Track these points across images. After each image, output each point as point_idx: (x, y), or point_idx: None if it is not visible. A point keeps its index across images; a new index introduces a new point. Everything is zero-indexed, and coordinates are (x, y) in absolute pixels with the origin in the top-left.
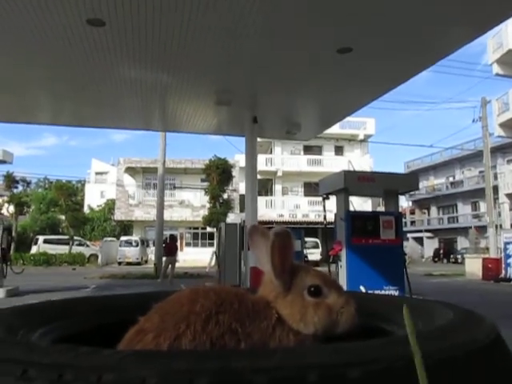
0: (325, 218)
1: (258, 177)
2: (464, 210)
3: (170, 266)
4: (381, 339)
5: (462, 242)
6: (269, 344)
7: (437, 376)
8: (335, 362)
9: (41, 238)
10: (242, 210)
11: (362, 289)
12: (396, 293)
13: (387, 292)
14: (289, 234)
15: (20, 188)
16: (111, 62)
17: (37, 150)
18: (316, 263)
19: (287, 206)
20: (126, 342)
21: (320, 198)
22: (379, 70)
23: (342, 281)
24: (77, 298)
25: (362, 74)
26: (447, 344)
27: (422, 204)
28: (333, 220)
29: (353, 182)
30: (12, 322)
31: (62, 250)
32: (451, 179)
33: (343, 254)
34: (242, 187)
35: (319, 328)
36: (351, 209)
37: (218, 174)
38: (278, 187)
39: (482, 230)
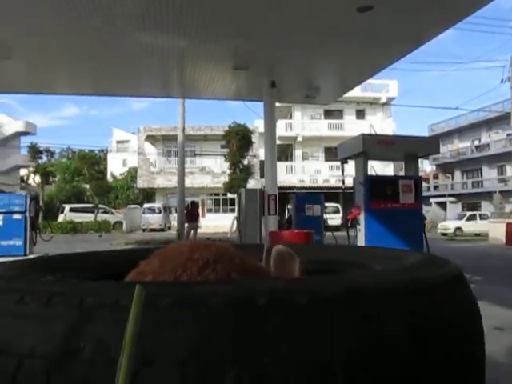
0: (343, 182)
1: (278, 142)
2: (489, 174)
3: (192, 231)
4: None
5: (486, 207)
6: None
7: (400, 303)
8: (284, 289)
9: (67, 207)
10: (262, 176)
11: None
12: None
13: None
14: (293, 257)
15: (44, 158)
16: (128, 28)
17: (59, 121)
18: (337, 228)
19: (308, 171)
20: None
21: (340, 163)
22: (401, 28)
23: (361, 245)
24: (86, 252)
25: (384, 33)
26: (408, 278)
27: (446, 168)
28: (352, 184)
29: (372, 146)
30: (24, 270)
31: (88, 217)
32: (477, 142)
33: (361, 218)
34: (261, 153)
35: None
36: (372, 173)
37: (238, 140)
38: (298, 152)
39: (507, 194)
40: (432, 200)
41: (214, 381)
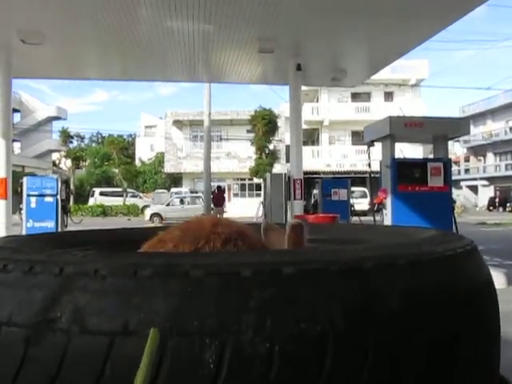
0: (369, 165)
1: (304, 126)
2: None
3: (218, 216)
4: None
5: None
6: None
7: (421, 271)
8: (268, 261)
9: (97, 191)
10: (287, 161)
11: None
12: None
13: None
14: (302, 227)
15: (75, 143)
16: (153, 14)
17: (89, 106)
18: (364, 213)
19: (334, 155)
20: (147, 247)
21: (366, 147)
22: (430, 6)
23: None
24: (105, 229)
25: (412, 12)
26: (421, 250)
27: (478, 151)
28: (378, 168)
29: (399, 128)
30: (33, 244)
31: (117, 201)
32: (511, 123)
33: (388, 201)
34: (287, 137)
35: None
36: (401, 156)
37: (264, 124)
38: (324, 136)
39: None
40: (463, 183)
41: (192, 353)
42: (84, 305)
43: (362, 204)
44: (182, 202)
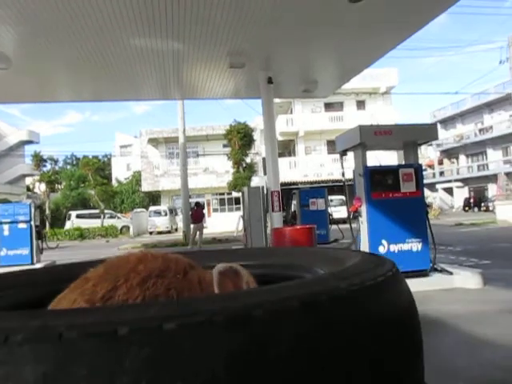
0: (343, 175)
1: (280, 138)
2: (494, 156)
3: (197, 232)
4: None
5: (493, 190)
6: None
7: (317, 313)
8: (148, 316)
9: (73, 214)
10: (265, 173)
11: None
12: (420, 245)
13: (410, 245)
14: (235, 272)
15: (48, 166)
16: (123, 34)
17: (62, 128)
18: (344, 220)
19: (311, 165)
20: (73, 287)
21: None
22: (395, 16)
23: (364, 236)
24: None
25: (377, 22)
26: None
27: (451, 153)
28: (352, 177)
29: (369, 137)
30: None
31: (95, 223)
32: (480, 125)
33: (363, 209)
34: (264, 150)
35: None
36: (376, 163)
37: (240, 138)
38: (300, 147)
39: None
40: (438, 186)
41: None
42: None
43: (341, 212)
44: None
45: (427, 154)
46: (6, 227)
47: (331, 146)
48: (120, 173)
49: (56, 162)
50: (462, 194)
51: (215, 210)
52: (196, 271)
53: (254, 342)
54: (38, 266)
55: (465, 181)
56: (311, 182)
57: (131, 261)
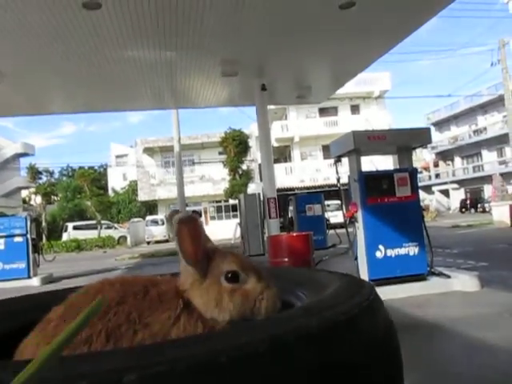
0: (338, 180)
1: (276, 144)
2: (489, 157)
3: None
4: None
5: (488, 191)
6: (171, 334)
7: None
8: (105, 369)
9: (70, 225)
10: (262, 180)
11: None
12: (416, 249)
13: (407, 249)
14: (194, 220)
15: (44, 178)
16: (113, 44)
17: (57, 139)
18: (341, 225)
19: (307, 170)
20: (37, 329)
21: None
22: (385, 21)
23: (361, 242)
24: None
25: (368, 28)
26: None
27: (446, 155)
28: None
29: (363, 142)
30: None
31: (92, 234)
32: (474, 127)
33: (359, 215)
34: (259, 157)
35: (235, 315)
36: (373, 168)
37: (235, 145)
38: (296, 153)
39: (507, 176)
40: (434, 188)
41: None
42: None
43: (338, 217)
44: None
45: (422, 157)
46: (1, 241)
47: (327, 150)
48: (116, 183)
49: (52, 173)
50: (458, 196)
51: (212, 218)
52: (156, 287)
53: None
54: (34, 279)
55: (461, 182)
56: (308, 188)
57: (90, 294)
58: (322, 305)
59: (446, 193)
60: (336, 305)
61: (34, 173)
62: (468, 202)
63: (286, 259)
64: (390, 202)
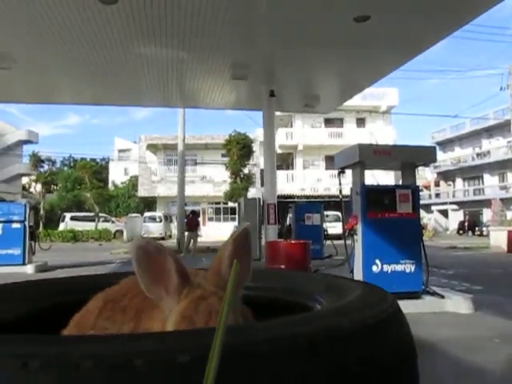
0: (340, 192)
1: (279, 151)
2: (491, 181)
3: (192, 240)
4: None
5: (487, 215)
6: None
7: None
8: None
9: (68, 216)
10: (262, 185)
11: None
12: (413, 266)
13: (404, 266)
14: (247, 234)
15: (46, 167)
16: (126, 40)
17: (61, 129)
18: (339, 236)
19: (308, 179)
20: (100, 298)
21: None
22: (399, 37)
23: (358, 255)
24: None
25: (382, 42)
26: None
27: (447, 176)
28: (349, 194)
29: (368, 156)
30: None
31: (89, 226)
32: (478, 150)
33: (359, 228)
34: (262, 162)
35: None
36: (374, 182)
37: (239, 149)
38: (298, 161)
39: (507, 201)
40: (434, 208)
41: None
42: None
43: (336, 228)
44: None
45: (424, 175)
46: None
47: (329, 161)
48: (117, 177)
49: (53, 162)
50: (456, 217)
51: (210, 219)
52: (137, 305)
53: None
54: (29, 266)
55: (460, 204)
56: (308, 196)
57: (94, 313)
58: (352, 306)
59: (444, 213)
60: (363, 308)
61: (36, 161)
62: (466, 224)
63: (284, 266)
64: (391, 217)
